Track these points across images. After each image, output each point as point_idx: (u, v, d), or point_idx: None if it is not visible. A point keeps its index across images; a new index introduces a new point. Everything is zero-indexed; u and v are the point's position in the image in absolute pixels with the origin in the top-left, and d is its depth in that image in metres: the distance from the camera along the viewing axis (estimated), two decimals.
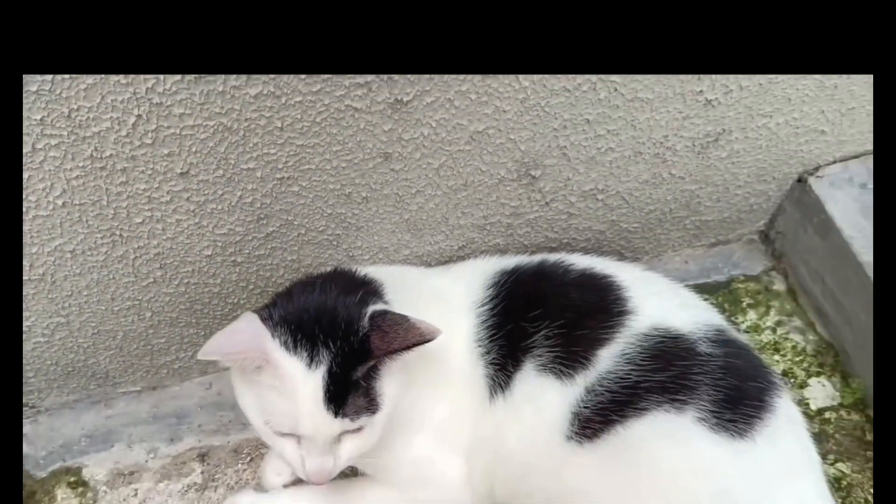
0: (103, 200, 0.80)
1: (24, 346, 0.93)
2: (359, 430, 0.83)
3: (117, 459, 1.04)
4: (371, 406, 0.82)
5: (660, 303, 0.95)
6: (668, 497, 0.84)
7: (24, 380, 0.99)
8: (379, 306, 0.85)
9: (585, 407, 0.88)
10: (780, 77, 0.94)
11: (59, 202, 0.79)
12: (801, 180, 1.15)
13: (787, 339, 1.16)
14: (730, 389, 0.87)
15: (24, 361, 0.96)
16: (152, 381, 1.07)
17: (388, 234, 0.97)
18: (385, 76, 0.77)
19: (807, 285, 1.18)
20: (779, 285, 1.21)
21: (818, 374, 1.13)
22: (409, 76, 0.77)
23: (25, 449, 1.04)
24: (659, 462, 0.85)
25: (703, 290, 1.18)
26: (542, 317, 0.92)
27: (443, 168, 0.91)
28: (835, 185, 1.13)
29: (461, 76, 0.81)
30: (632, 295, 0.94)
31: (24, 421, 1.05)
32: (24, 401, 1.02)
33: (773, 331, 1.17)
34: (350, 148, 0.84)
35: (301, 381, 0.79)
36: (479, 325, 0.95)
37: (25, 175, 0.75)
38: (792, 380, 1.12)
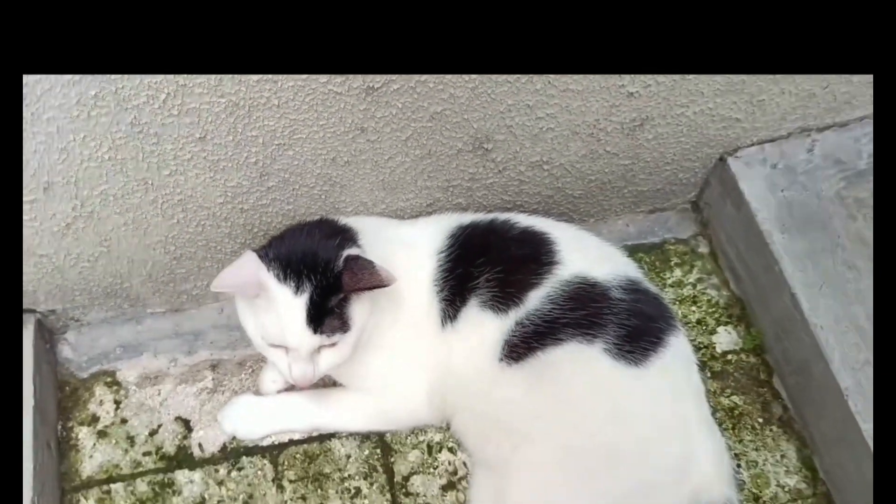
0: (139, 156, 1.02)
1: (73, 270, 1.17)
2: (333, 345, 1.06)
3: (145, 366, 1.29)
4: (343, 327, 1.05)
5: (584, 256, 1.17)
6: (574, 410, 1.08)
7: (72, 298, 1.23)
8: (353, 251, 1.07)
9: (514, 336, 1.11)
10: (691, 75, 1.14)
11: (106, 156, 1.01)
12: (721, 159, 1.34)
13: (704, 293, 1.37)
14: (632, 328, 1.10)
15: (73, 284, 1.20)
16: (175, 305, 1.31)
17: (367, 192, 1.19)
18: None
19: (724, 249, 1.39)
20: (703, 248, 1.42)
21: (726, 324, 1.34)
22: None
23: (70, 355, 1.29)
24: (569, 381, 1.08)
25: (639, 249, 1.40)
26: (485, 263, 1.15)
27: (410, 140, 1.12)
28: (749, 164, 1.33)
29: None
30: (561, 249, 1.16)
31: (69, 332, 1.30)
32: (70, 315, 1.27)
33: (694, 286, 1.38)
34: (333, 122, 1.05)
35: (288, 305, 1.02)
36: (436, 268, 1.17)
37: (81, 135, 0.98)
38: (704, 327, 1.34)
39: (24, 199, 1.02)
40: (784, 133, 1.32)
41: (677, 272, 1.40)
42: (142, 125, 0.98)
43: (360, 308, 1.07)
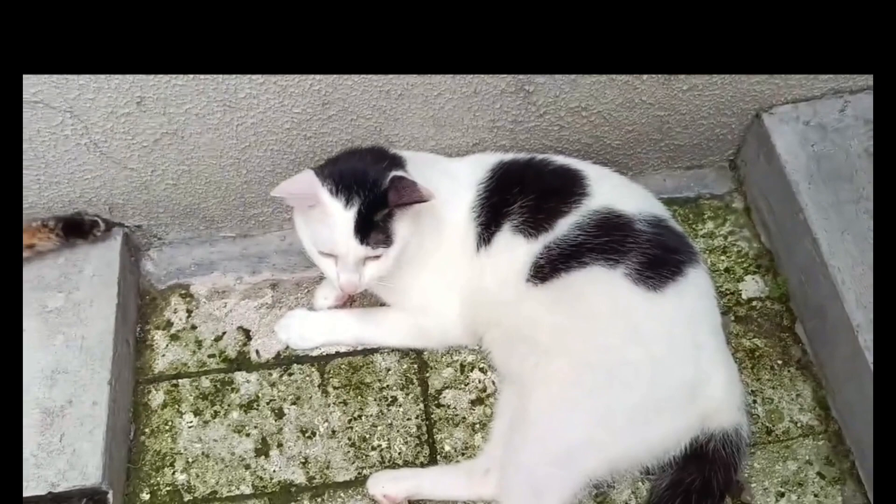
0: (219, 78, 1.18)
1: (158, 186, 1.33)
2: (377, 257, 1.18)
3: (214, 282, 1.45)
4: (387, 241, 1.17)
5: (613, 191, 1.26)
6: (593, 328, 1.17)
7: (156, 216, 1.40)
8: (399, 172, 1.19)
9: (542, 258, 1.21)
10: None
11: (191, 77, 1.17)
12: (757, 116, 1.41)
13: (734, 245, 1.44)
14: (653, 256, 1.18)
15: (158, 200, 1.36)
16: (243, 230, 1.46)
17: (418, 126, 1.32)
18: None
19: (757, 203, 1.45)
20: (737, 203, 1.49)
21: (754, 273, 1.41)
22: None
23: (152, 269, 1.46)
24: (590, 301, 1.18)
25: (673, 202, 1.48)
26: (520, 192, 1.25)
27: (457, 77, 1.24)
28: (783, 120, 1.39)
29: None
30: (592, 184, 1.26)
31: (152, 249, 1.47)
32: (153, 233, 1.43)
33: (725, 238, 1.45)
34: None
35: (339, 216, 1.14)
36: (475, 197, 1.28)
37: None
38: (731, 275, 1.41)
39: (120, 112, 1.19)
40: (818, 93, 1.38)
41: (710, 224, 1.47)
42: None
43: (403, 226, 1.19)
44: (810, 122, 1.38)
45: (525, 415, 1.17)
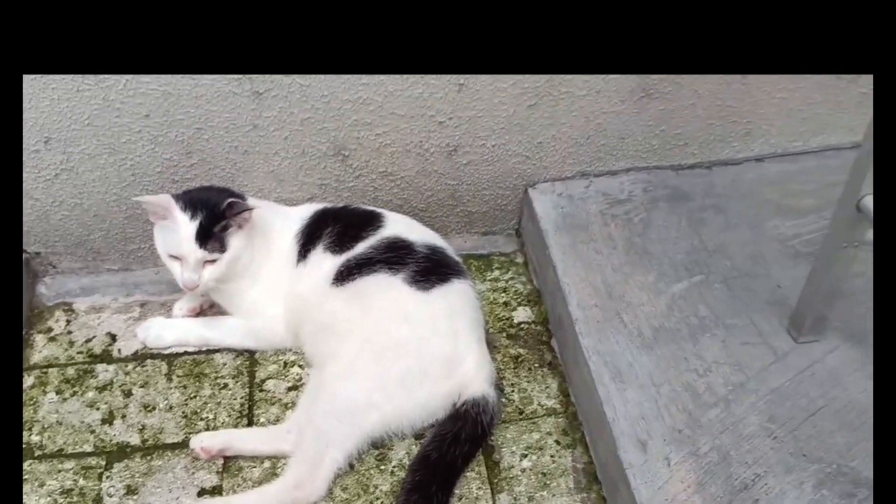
0: (107, 125, 1.60)
1: (56, 216, 1.70)
2: (214, 261, 1.55)
3: (94, 301, 1.78)
4: (222, 248, 1.54)
5: (403, 226, 1.68)
6: (376, 316, 1.54)
7: (53, 244, 1.75)
8: (235, 199, 1.59)
9: (343, 268, 1.59)
10: (482, 112, 1.70)
11: (87, 122, 1.59)
12: (526, 190, 1.87)
13: (513, 286, 1.84)
14: (426, 268, 1.58)
15: (55, 230, 1.73)
16: (125, 264, 1.82)
17: (263, 179, 1.74)
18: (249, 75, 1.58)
19: (530, 255, 1.88)
20: (519, 259, 1.91)
21: (525, 305, 1.79)
22: (263, 75, 1.57)
23: (44, 290, 1.79)
24: (375, 296, 1.56)
25: (470, 257, 1.89)
26: (332, 224, 1.65)
27: (288, 139, 1.68)
28: (543, 193, 1.85)
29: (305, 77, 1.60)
30: (387, 220, 1.67)
31: (47, 276, 1.81)
32: (49, 261, 1.78)
33: (507, 281, 1.85)
34: (233, 117, 1.63)
35: (185, 226, 1.52)
36: (300, 228, 1.67)
37: (72, 103, 1.56)
38: (508, 306, 1.79)
39: (31, 148, 1.59)
40: (569, 175, 1.86)
41: (497, 272, 1.88)
42: (110, 101, 1.56)
43: (236, 239, 1.57)
44: (562, 194, 1.84)
45: (320, 384, 1.51)
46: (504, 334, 1.73)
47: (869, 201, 1.28)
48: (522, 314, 1.78)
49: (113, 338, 1.71)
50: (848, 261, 1.37)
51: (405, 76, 1.61)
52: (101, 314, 1.76)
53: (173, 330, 1.70)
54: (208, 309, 1.73)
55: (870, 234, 1.31)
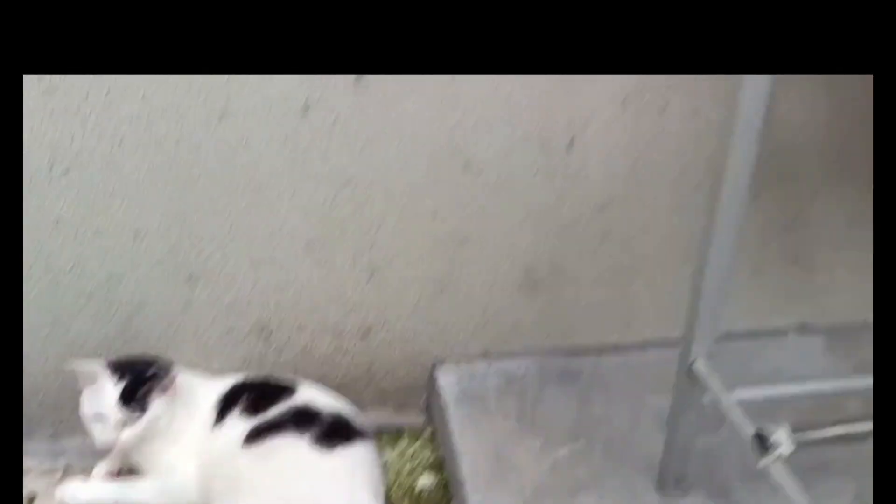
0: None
1: None
2: (133, 423, 1.70)
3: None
4: (142, 411, 1.71)
5: (313, 395, 1.85)
6: (279, 475, 1.67)
7: None
8: (161, 370, 1.77)
9: (254, 430, 1.74)
10: (391, 298, 1.94)
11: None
12: (433, 367, 2.06)
13: (420, 455, 1.98)
14: (330, 431, 1.74)
15: None
16: (56, 431, 1.94)
17: (192, 353, 1.91)
18: None
19: (437, 427, 2.03)
20: (427, 431, 2.06)
21: (429, 471, 1.93)
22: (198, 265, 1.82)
23: None
24: (279, 455, 1.70)
25: (383, 429, 2.04)
26: (249, 392, 1.83)
27: (215, 320, 1.89)
28: (446, 371, 2.03)
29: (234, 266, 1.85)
30: (299, 390, 1.85)
31: None
32: None
33: (414, 451, 2.00)
34: (166, 301, 1.85)
35: (110, 388, 1.70)
36: (220, 396, 1.84)
37: None
38: (414, 473, 1.92)
39: None
40: (473, 353, 2.06)
41: (406, 443, 2.03)
42: (58, 282, 1.79)
43: (157, 404, 1.73)
44: (465, 372, 2.04)
45: None
46: (406, 498, 1.85)
47: (700, 365, 1.50)
48: (426, 480, 1.91)
49: (32, 499, 1.81)
50: (691, 423, 1.56)
51: (320, 265, 1.87)
52: (26, 477, 1.86)
53: (89, 490, 1.80)
54: (127, 473, 1.84)
55: (706, 397, 1.52)
